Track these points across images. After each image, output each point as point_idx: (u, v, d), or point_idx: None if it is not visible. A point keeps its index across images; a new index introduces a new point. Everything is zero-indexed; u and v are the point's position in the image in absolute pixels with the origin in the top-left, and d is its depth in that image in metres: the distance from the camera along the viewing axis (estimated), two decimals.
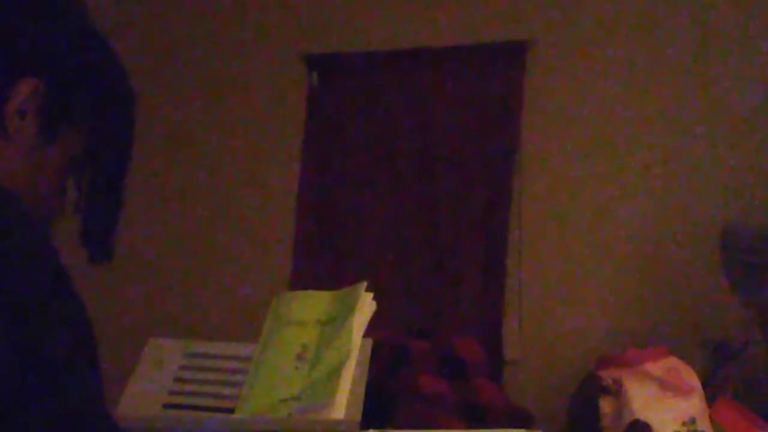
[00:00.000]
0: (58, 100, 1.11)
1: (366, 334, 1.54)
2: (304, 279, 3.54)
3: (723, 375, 2.80)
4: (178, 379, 1.54)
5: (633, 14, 3.38)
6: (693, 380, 2.57)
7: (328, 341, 1.51)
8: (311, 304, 1.60)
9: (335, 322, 1.54)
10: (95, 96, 1.16)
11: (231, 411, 1.47)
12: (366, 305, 1.55)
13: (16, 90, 1.08)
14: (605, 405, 2.56)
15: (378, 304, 1.57)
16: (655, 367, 2.58)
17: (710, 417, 2.50)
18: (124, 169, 1.20)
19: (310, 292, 1.66)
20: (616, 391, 2.55)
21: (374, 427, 1.45)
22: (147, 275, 3.74)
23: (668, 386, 2.52)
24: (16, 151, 1.09)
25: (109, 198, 1.19)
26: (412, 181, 3.56)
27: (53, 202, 1.16)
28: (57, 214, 1.16)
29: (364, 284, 1.57)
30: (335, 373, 1.45)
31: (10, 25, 1.09)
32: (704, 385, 2.57)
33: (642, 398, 2.49)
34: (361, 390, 1.45)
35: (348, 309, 1.54)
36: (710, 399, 2.55)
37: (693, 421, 2.45)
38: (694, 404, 2.49)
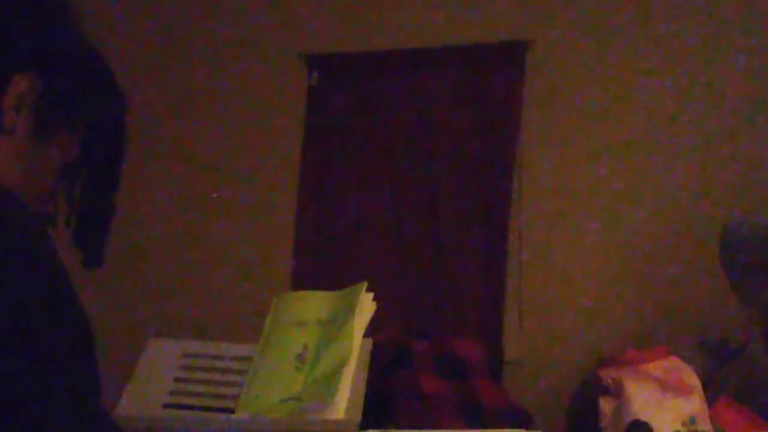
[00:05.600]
0: (55, 98, 1.11)
1: (366, 334, 1.54)
2: (304, 279, 3.54)
3: (723, 375, 2.80)
4: (178, 379, 1.55)
5: (633, 14, 3.38)
6: (693, 380, 2.57)
7: (328, 341, 1.51)
8: (311, 304, 1.60)
9: (335, 322, 1.54)
10: (91, 97, 1.16)
11: (231, 411, 1.47)
12: (366, 305, 1.55)
13: (13, 85, 1.08)
14: (605, 405, 2.56)
15: (378, 304, 1.57)
16: (655, 367, 2.58)
17: (710, 417, 2.50)
18: (117, 173, 1.20)
19: (310, 292, 1.66)
20: (616, 391, 2.55)
21: (374, 427, 1.45)
22: (147, 275, 3.74)
23: (668, 386, 2.52)
24: (11, 148, 1.09)
25: (102, 203, 1.19)
26: (412, 181, 3.56)
27: (46, 203, 1.16)
28: (49, 215, 1.16)
29: (364, 284, 1.57)
30: (335, 373, 1.45)
31: (9, 20, 1.09)
32: (704, 385, 2.57)
33: (642, 398, 2.49)
34: (361, 390, 1.45)
35: (348, 309, 1.54)
36: (710, 399, 2.56)
37: (693, 421, 2.45)
38: (694, 404, 2.49)
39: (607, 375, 2.60)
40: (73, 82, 1.13)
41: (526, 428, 1.73)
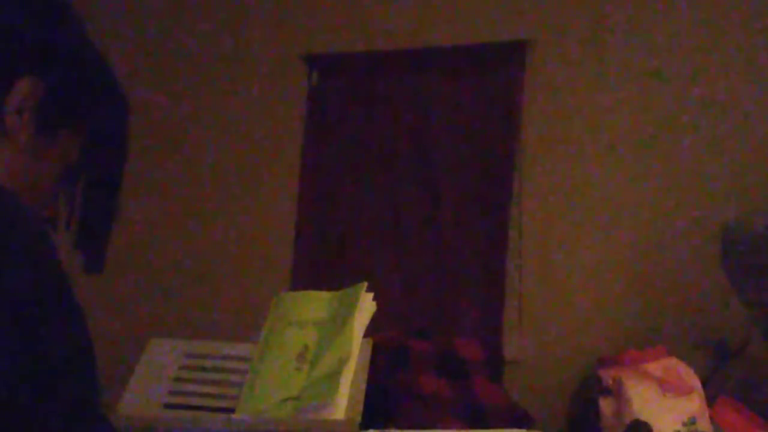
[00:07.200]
0: (57, 101, 1.11)
1: (366, 334, 1.54)
2: (304, 279, 3.54)
3: (723, 375, 2.80)
4: (178, 379, 1.55)
5: (632, 14, 3.38)
6: (693, 380, 2.57)
7: (328, 341, 1.51)
8: (311, 304, 1.60)
9: (335, 322, 1.54)
10: (93, 100, 1.16)
11: (231, 411, 1.47)
12: (366, 305, 1.55)
13: (16, 88, 1.08)
14: (605, 405, 2.56)
15: (378, 304, 1.57)
16: (655, 367, 2.58)
17: (710, 417, 2.50)
18: (119, 177, 1.20)
19: (310, 292, 1.66)
20: (616, 391, 2.55)
21: (374, 427, 1.45)
22: (147, 275, 3.74)
23: (668, 386, 2.52)
24: (12, 150, 1.09)
25: (103, 206, 1.19)
26: (411, 181, 3.56)
27: (47, 205, 1.15)
28: (50, 218, 1.16)
29: (364, 284, 1.57)
30: (335, 373, 1.45)
31: (11, 23, 1.09)
32: (704, 385, 2.57)
33: (642, 398, 2.49)
34: (361, 390, 1.45)
35: (348, 309, 1.54)
36: (710, 399, 2.56)
37: (693, 421, 2.45)
38: (694, 404, 2.49)
39: (607, 375, 2.60)
40: (75, 85, 1.13)
41: (526, 428, 1.73)
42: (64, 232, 1.17)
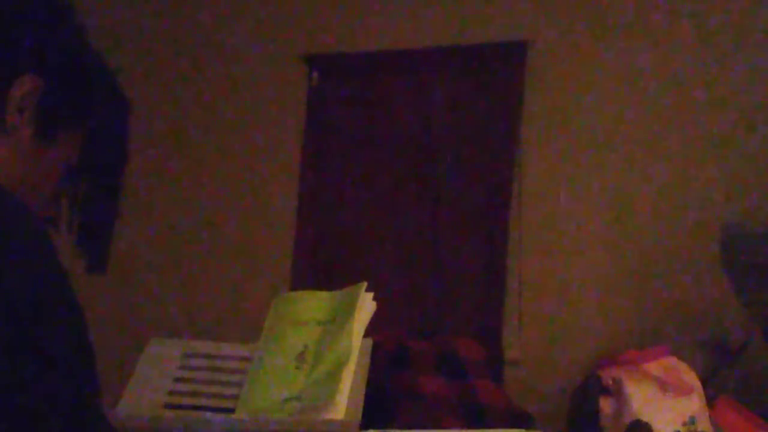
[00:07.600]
0: (58, 100, 1.11)
1: (366, 334, 1.54)
2: (304, 279, 3.54)
3: (723, 375, 2.80)
4: (178, 379, 1.54)
5: (633, 14, 3.38)
6: (693, 380, 2.57)
7: (328, 341, 1.51)
8: (311, 304, 1.60)
9: (335, 322, 1.54)
10: (93, 100, 1.16)
11: (231, 411, 1.47)
12: (366, 305, 1.55)
13: (17, 86, 1.08)
14: (605, 405, 2.56)
15: (378, 304, 1.57)
16: (655, 367, 2.58)
17: (710, 417, 2.50)
18: (120, 177, 1.20)
19: (310, 292, 1.65)
20: (616, 391, 2.55)
21: (374, 427, 1.45)
22: (147, 275, 3.74)
23: (668, 386, 2.52)
24: (13, 149, 1.09)
25: (105, 207, 1.19)
26: (412, 181, 3.56)
27: (48, 205, 1.15)
28: (51, 218, 1.16)
29: (364, 284, 1.57)
30: (335, 373, 1.45)
31: (13, 22, 1.09)
32: (704, 385, 2.57)
33: (642, 398, 2.49)
34: (361, 390, 1.44)
35: (348, 309, 1.54)
36: (710, 399, 2.55)
37: (693, 421, 2.45)
38: (694, 404, 2.49)
39: (607, 375, 2.59)
40: (76, 85, 1.14)
41: (526, 428, 1.73)
42: (66, 233, 1.17)
